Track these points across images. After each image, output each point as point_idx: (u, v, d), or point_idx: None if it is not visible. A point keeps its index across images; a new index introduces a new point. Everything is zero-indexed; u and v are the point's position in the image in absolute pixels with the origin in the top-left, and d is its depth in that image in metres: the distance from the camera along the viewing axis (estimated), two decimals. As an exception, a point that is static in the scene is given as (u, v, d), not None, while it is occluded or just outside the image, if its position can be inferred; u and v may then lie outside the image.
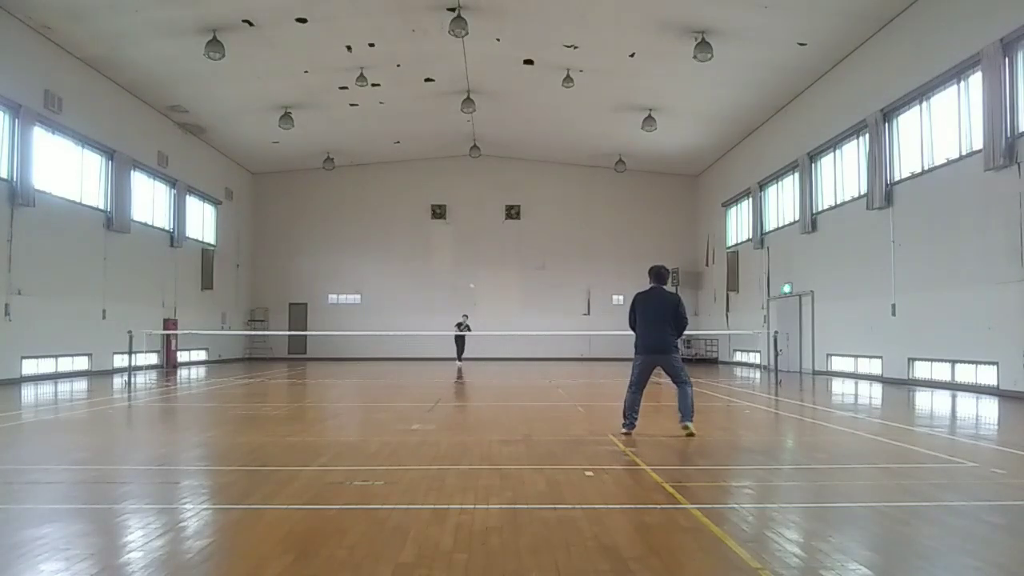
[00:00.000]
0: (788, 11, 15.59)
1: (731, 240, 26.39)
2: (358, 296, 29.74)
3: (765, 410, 10.96)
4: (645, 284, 8.05)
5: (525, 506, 4.66)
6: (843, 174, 18.45)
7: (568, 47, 18.19)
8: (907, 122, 15.71)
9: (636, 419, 7.74)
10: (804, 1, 15.31)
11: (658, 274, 7.95)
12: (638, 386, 7.77)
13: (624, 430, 7.67)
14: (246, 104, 21.82)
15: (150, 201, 21.79)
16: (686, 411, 7.59)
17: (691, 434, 7.47)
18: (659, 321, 7.70)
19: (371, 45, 18.16)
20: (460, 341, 24.13)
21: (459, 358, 24.28)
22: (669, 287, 8.07)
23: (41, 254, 16.27)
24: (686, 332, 8.09)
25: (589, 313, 29.63)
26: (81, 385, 15.34)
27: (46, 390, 13.98)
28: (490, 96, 21.99)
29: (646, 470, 5.79)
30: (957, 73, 13.78)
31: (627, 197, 29.67)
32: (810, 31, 16.51)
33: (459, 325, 24.21)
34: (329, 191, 29.35)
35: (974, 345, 13.23)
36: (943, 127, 14.50)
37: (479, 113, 22.54)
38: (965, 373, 13.71)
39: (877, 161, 16.08)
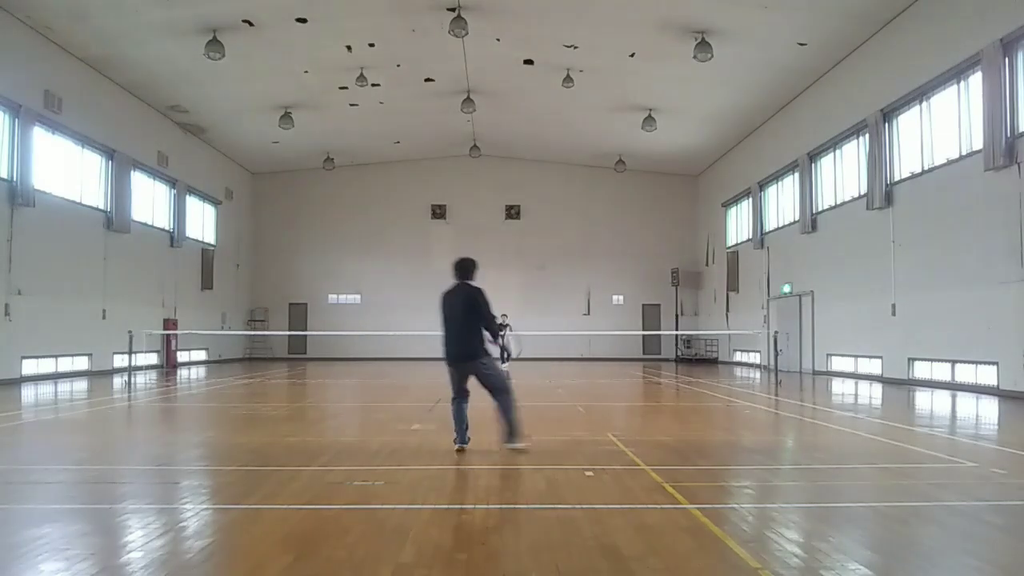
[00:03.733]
0: (788, 11, 15.59)
1: (731, 240, 26.39)
2: (358, 296, 29.73)
3: (765, 410, 10.96)
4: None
5: (525, 506, 4.66)
6: (843, 174, 18.45)
7: (568, 47, 18.19)
8: (907, 122, 15.71)
9: (466, 432, 6.66)
10: (804, 1, 15.31)
11: (459, 267, 6.76)
12: (457, 396, 6.73)
13: (456, 445, 6.64)
14: (246, 104, 21.82)
15: (150, 201, 21.78)
16: (511, 429, 6.42)
17: (523, 450, 6.39)
18: (457, 322, 6.61)
19: (371, 45, 18.16)
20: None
21: (507, 358, 23.30)
22: (476, 282, 6.80)
23: (41, 254, 16.26)
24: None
25: (589, 313, 29.62)
26: (81, 385, 15.34)
27: (46, 390, 13.98)
28: (490, 96, 21.98)
29: (646, 470, 5.79)
30: (957, 73, 13.77)
31: (627, 197, 29.68)
32: (810, 31, 16.51)
33: (501, 326, 23.31)
34: (329, 191, 29.35)
35: (974, 345, 13.23)
36: (943, 127, 14.50)
37: (479, 113, 22.54)
38: (965, 373, 13.71)
39: (877, 161, 16.08)
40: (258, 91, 20.83)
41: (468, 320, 6.59)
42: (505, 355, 23.18)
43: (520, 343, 17.83)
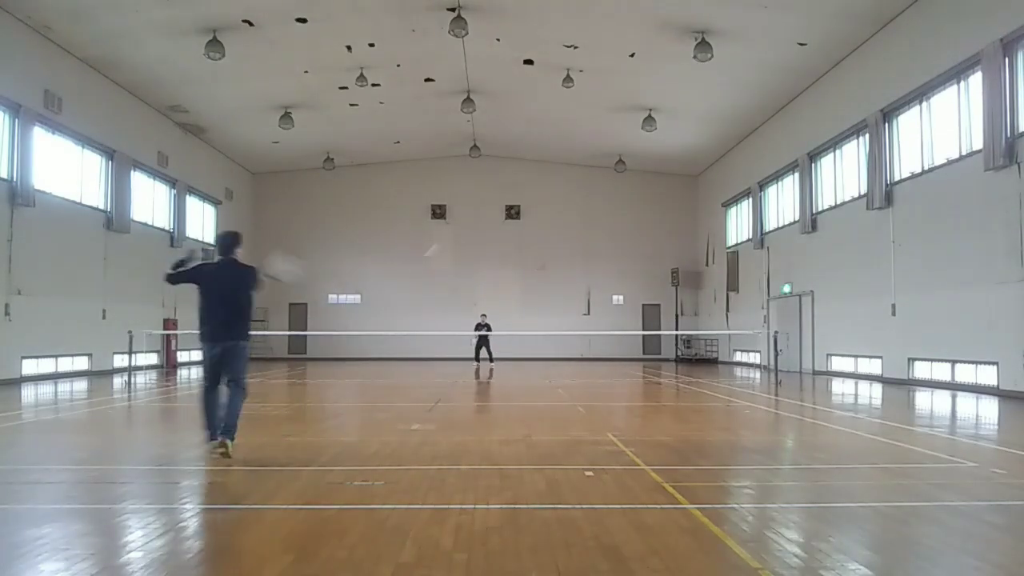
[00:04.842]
0: (788, 11, 15.59)
1: (731, 240, 26.39)
2: (358, 296, 29.74)
3: (765, 410, 10.96)
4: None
5: (525, 506, 4.66)
6: (843, 174, 18.45)
7: (568, 47, 18.19)
8: (907, 122, 15.71)
9: (222, 425, 6.19)
10: (804, 1, 15.31)
11: (224, 243, 6.48)
12: (213, 382, 6.38)
13: (210, 443, 6.21)
14: (246, 104, 21.82)
15: (150, 201, 21.79)
16: (231, 424, 6.12)
17: (226, 455, 5.97)
18: (230, 299, 6.35)
19: (371, 45, 18.16)
20: (482, 341, 22.76)
21: (478, 359, 22.85)
22: (247, 259, 6.57)
23: (41, 254, 16.26)
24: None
25: (589, 313, 29.63)
26: (81, 385, 15.34)
27: (46, 390, 13.98)
28: (490, 96, 21.98)
29: (646, 470, 5.79)
30: (957, 73, 13.77)
31: (627, 197, 29.68)
32: (810, 31, 16.51)
33: (479, 326, 23.04)
34: (329, 191, 29.35)
35: (974, 345, 13.23)
36: (943, 127, 14.49)
37: (479, 113, 22.54)
38: (965, 373, 13.71)
39: (877, 161, 16.08)
40: (258, 91, 20.82)
41: (240, 298, 6.40)
42: (487, 354, 23.33)
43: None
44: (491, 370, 21.03)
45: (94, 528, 4.26)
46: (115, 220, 19.12)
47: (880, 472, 5.94)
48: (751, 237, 23.68)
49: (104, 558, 3.63)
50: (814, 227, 19.54)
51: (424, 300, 28.91)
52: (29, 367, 16.11)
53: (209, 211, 25.98)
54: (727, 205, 26.43)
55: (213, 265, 6.51)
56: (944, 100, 14.49)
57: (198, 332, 6.45)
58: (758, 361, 23.29)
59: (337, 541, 3.89)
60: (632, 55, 18.37)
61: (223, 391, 6.38)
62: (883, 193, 15.92)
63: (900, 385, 15.03)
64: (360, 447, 7.20)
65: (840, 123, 17.93)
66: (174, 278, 6.54)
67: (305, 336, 28.54)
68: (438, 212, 29.99)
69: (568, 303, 29.50)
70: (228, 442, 6.05)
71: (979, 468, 5.95)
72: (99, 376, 17.78)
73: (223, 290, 6.37)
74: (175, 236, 22.69)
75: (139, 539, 3.98)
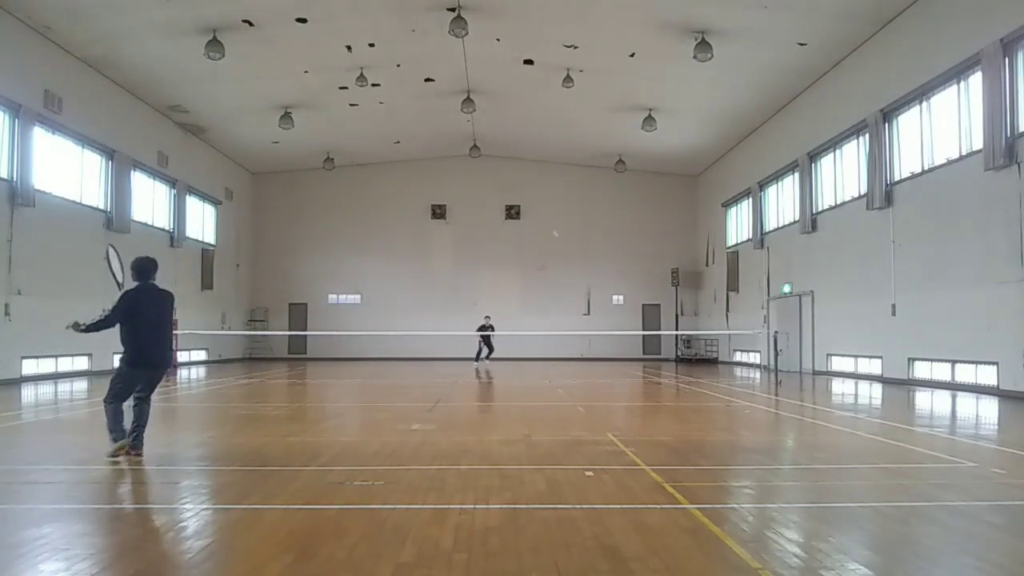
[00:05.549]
0: (788, 11, 15.59)
1: (731, 240, 26.39)
2: (358, 296, 29.74)
3: (765, 410, 10.96)
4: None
5: (525, 506, 4.66)
6: (843, 174, 18.45)
7: (568, 47, 18.19)
8: (907, 122, 15.71)
9: (132, 436, 6.38)
10: (804, 1, 15.31)
11: (148, 268, 6.62)
12: (126, 397, 6.41)
13: (134, 452, 6.25)
14: (246, 104, 21.82)
15: (150, 201, 21.78)
16: (142, 434, 6.41)
17: (130, 453, 6.25)
18: (164, 326, 6.62)
19: (371, 45, 18.16)
20: (485, 340, 24.45)
21: (479, 357, 24.59)
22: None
23: (41, 254, 16.26)
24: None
25: (589, 313, 29.63)
26: (81, 385, 15.34)
27: (46, 390, 13.98)
28: (490, 96, 21.99)
29: (646, 470, 5.79)
30: (957, 73, 13.77)
31: (627, 197, 29.67)
32: (810, 31, 16.51)
33: (483, 327, 24.52)
34: (329, 191, 29.35)
35: (974, 345, 13.23)
36: (943, 127, 14.49)
37: (479, 113, 22.54)
38: (965, 373, 13.71)
39: (877, 161, 16.09)
40: (258, 91, 20.82)
41: (170, 322, 6.74)
42: (487, 353, 24.17)
43: None
44: (477, 370, 21.63)
45: (94, 528, 4.27)
46: (115, 220, 19.11)
47: (880, 472, 5.94)
48: (751, 237, 23.68)
49: (104, 558, 3.63)
50: (814, 227, 19.55)
51: (424, 300, 28.91)
52: (29, 367, 16.11)
53: (209, 211, 25.96)
54: (727, 205, 26.43)
55: (138, 291, 6.50)
56: (944, 100, 14.49)
57: (129, 357, 6.36)
58: (758, 361, 23.29)
59: (337, 541, 3.89)
60: (632, 55, 18.37)
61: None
62: (883, 193, 15.92)
63: (900, 385, 15.03)
64: (360, 447, 7.21)
65: (840, 123, 17.93)
66: (110, 321, 6.35)
67: (305, 336, 28.55)
68: (438, 212, 29.98)
69: (568, 303, 29.50)
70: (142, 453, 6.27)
71: (979, 468, 5.95)
72: (99, 376, 17.76)
73: (158, 315, 6.55)
74: (175, 236, 22.68)
75: (139, 539, 3.98)
